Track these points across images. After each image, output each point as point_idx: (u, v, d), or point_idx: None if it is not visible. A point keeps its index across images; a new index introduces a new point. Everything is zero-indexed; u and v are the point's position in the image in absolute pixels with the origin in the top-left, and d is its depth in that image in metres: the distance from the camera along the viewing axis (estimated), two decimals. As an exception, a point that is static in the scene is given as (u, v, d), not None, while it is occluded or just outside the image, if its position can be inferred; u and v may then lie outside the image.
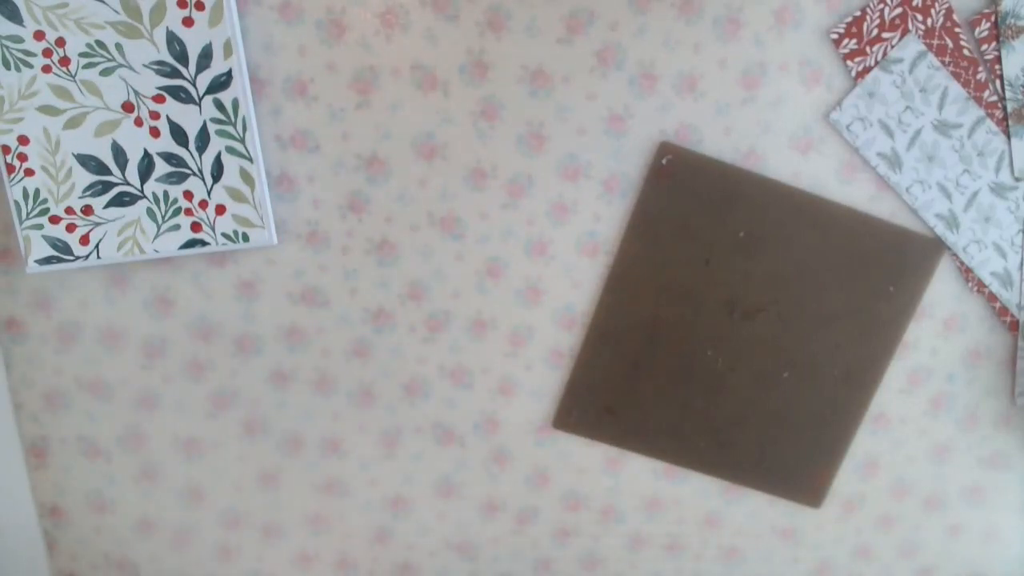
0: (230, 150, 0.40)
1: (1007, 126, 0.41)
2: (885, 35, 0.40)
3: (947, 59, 0.40)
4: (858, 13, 0.40)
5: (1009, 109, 0.41)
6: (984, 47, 0.40)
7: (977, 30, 0.40)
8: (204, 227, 0.41)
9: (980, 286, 0.43)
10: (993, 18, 0.40)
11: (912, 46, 0.40)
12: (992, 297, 0.43)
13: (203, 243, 0.41)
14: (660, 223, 0.42)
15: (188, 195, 0.41)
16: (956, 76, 0.40)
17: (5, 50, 0.38)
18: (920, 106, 0.41)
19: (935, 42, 0.40)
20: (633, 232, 0.42)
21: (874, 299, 0.42)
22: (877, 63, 0.40)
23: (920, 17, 0.40)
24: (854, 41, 0.40)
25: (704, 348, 0.43)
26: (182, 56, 0.39)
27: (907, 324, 0.43)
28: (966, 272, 0.43)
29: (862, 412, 0.44)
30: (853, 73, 0.40)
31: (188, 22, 0.38)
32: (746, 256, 0.42)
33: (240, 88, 0.39)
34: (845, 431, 0.44)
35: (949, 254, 0.42)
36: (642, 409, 0.44)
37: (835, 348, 0.43)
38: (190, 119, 0.40)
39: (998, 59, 0.40)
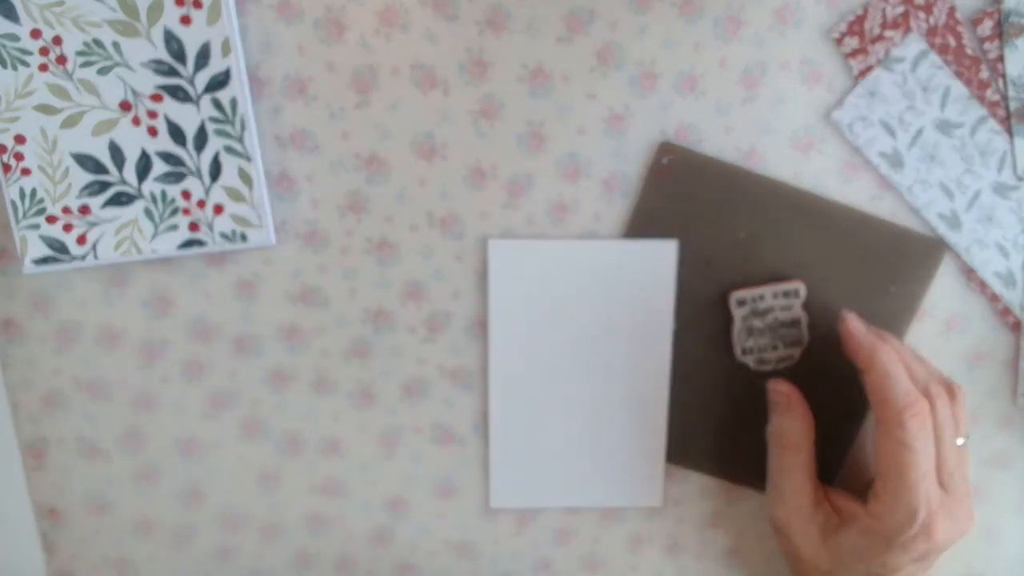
0: (228, 149, 0.40)
1: (1009, 125, 0.41)
2: (887, 34, 0.40)
3: (949, 58, 0.40)
4: (860, 12, 0.40)
5: (1012, 108, 0.40)
6: (987, 46, 0.40)
7: (979, 28, 0.40)
8: (202, 227, 0.41)
9: (982, 286, 0.43)
10: (996, 17, 0.40)
11: (914, 45, 0.40)
12: (994, 298, 0.43)
13: (201, 243, 0.41)
14: (660, 223, 0.42)
15: (186, 195, 0.40)
16: (958, 75, 0.40)
17: (2, 49, 0.38)
18: (922, 105, 0.41)
19: (937, 41, 0.40)
20: (633, 232, 0.42)
21: (875, 299, 0.42)
22: (879, 62, 0.40)
23: (923, 16, 0.40)
24: (856, 40, 0.40)
25: (704, 348, 0.43)
26: (180, 55, 0.39)
27: (909, 324, 0.43)
28: (968, 272, 0.42)
29: (863, 412, 0.44)
30: (855, 72, 0.40)
31: (186, 20, 0.38)
32: (747, 256, 0.42)
33: (238, 87, 0.39)
34: (847, 431, 0.44)
35: (951, 254, 0.42)
36: None
37: (836, 348, 0.42)
38: (188, 118, 0.40)
39: (1001, 58, 0.40)
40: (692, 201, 0.41)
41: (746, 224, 0.42)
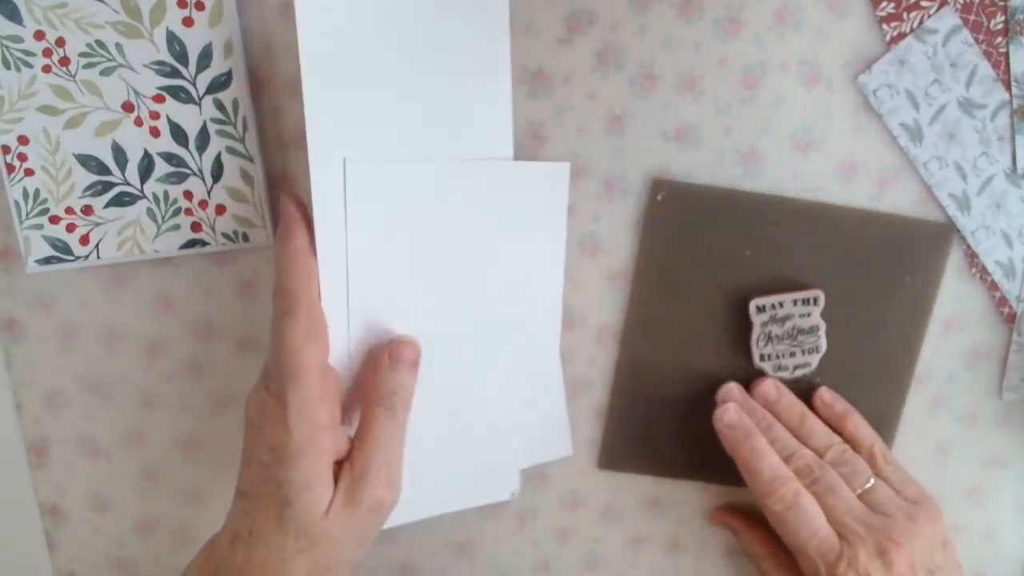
0: (230, 150, 0.40)
1: (1012, 122, 0.40)
2: (924, 3, 0.39)
3: (981, 37, 0.40)
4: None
5: (1015, 106, 0.40)
6: (998, 40, 0.40)
7: (992, 22, 0.39)
8: (204, 227, 0.41)
9: (983, 273, 0.42)
10: (1005, 13, 0.39)
11: (948, 19, 0.39)
12: (993, 286, 0.43)
13: (203, 243, 0.41)
14: (666, 257, 0.42)
15: (188, 195, 0.41)
16: (987, 56, 0.40)
17: (5, 50, 0.38)
18: (948, 81, 0.40)
19: (972, 18, 0.39)
20: (642, 271, 0.42)
21: (892, 291, 0.42)
22: (912, 31, 0.40)
23: (961, -11, 0.39)
24: (892, 5, 0.39)
25: (722, 356, 0.43)
26: (182, 56, 0.39)
27: (931, 310, 0.43)
28: (971, 258, 0.42)
29: (892, 417, 0.44)
30: (887, 38, 0.40)
31: (188, 22, 0.38)
32: (758, 273, 0.42)
33: (240, 88, 0.39)
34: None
35: (953, 254, 0.42)
36: (677, 445, 0.45)
37: (855, 353, 0.43)
38: (190, 119, 0.40)
39: (1007, 55, 0.40)
40: (693, 230, 0.42)
41: (750, 242, 0.42)
